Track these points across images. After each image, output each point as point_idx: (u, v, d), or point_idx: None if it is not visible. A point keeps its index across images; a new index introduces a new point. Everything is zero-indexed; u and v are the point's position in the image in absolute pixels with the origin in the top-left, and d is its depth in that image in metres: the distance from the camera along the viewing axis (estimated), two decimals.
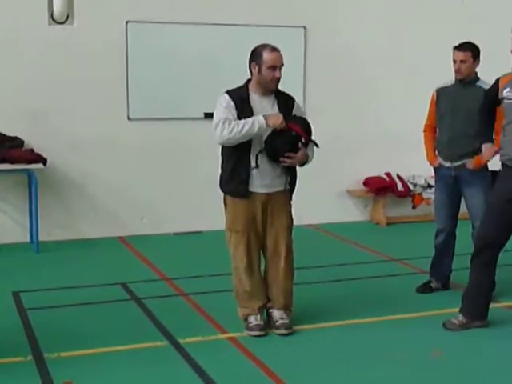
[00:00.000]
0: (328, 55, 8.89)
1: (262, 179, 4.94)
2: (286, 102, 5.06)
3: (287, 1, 8.67)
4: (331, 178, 8.82)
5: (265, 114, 4.85)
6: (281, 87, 5.06)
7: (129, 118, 8.29)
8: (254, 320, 5.04)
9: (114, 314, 5.61)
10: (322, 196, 8.85)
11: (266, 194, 4.97)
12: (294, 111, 5.06)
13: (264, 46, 4.91)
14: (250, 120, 4.81)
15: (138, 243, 7.99)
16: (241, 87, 5.02)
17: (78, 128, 8.04)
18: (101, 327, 5.29)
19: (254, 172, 4.91)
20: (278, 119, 4.83)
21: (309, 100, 8.69)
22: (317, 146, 5.08)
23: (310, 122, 5.07)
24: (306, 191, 7.67)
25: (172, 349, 4.82)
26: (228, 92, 5.00)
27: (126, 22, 8.10)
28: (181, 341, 4.93)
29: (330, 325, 5.31)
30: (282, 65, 4.91)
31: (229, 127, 4.79)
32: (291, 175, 5.07)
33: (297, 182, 5.16)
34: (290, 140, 4.88)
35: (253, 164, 4.90)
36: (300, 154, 4.92)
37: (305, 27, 8.76)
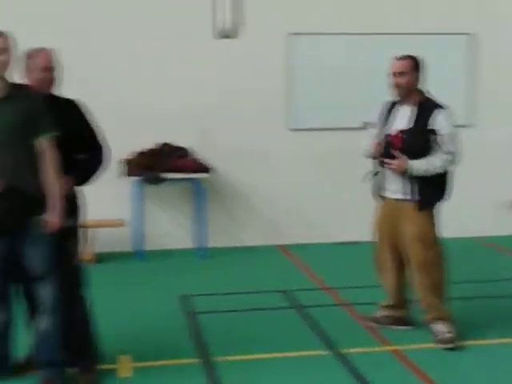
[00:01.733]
0: (497, 63, 8.58)
1: (390, 184, 5.08)
2: (425, 111, 4.97)
3: (451, 7, 8.46)
4: (496, 188, 8.47)
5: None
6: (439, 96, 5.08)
7: (290, 129, 8.41)
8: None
9: (276, 321, 5.68)
10: (485, 207, 8.54)
11: (395, 199, 5.04)
12: (430, 120, 4.90)
13: None
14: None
15: (298, 252, 8.09)
16: None
17: (241, 138, 8.27)
18: (264, 333, 5.38)
19: (385, 175, 5.08)
20: None
21: (480, 109, 8.51)
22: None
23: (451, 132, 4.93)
24: (469, 202, 7.48)
25: (335, 358, 4.81)
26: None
27: (289, 34, 8.24)
28: (343, 351, 4.91)
29: (495, 342, 5.11)
30: (401, 72, 4.96)
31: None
32: (421, 186, 4.93)
33: (431, 194, 4.97)
34: (386, 146, 4.98)
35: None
36: (396, 161, 4.86)
37: (470, 34, 8.53)
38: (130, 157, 7.83)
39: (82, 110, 4.45)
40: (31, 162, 4.06)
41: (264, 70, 8.21)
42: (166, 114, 7.99)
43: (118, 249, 8.09)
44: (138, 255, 7.94)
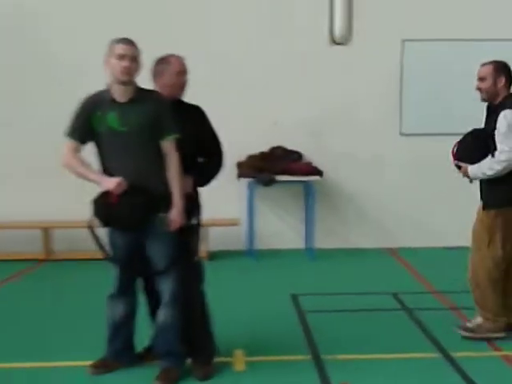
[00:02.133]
0: None
1: None
2: (495, 114, 4.93)
3: None
4: None
5: None
6: None
7: (401, 134, 8.33)
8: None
9: (385, 323, 5.61)
10: None
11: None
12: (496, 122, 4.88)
13: None
14: None
15: (408, 255, 8.00)
16: None
17: (353, 142, 8.27)
18: (373, 334, 5.33)
19: None
20: None
21: None
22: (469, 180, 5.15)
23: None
24: None
25: (444, 361, 4.70)
26: None
27: (403, 41, 8.15)
28: (453, 354, 4.79)
29: None
30: (481, 78, 5.01)
31: None
32: (485, 187, 5.06)
33: (493, 194, 4.97)
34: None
35: None
36: (461, 170, 5.09)
37: None
38: (242, 160, 7.97)
39: (205, 117, 4.55)
40: (156, 163, 4.19)
41: (377, 75, 8.19)
42: (281, 118, 8.09)
43: (230, 247, 8.24)
44: (249, 254, 8.06)
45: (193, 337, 4.52)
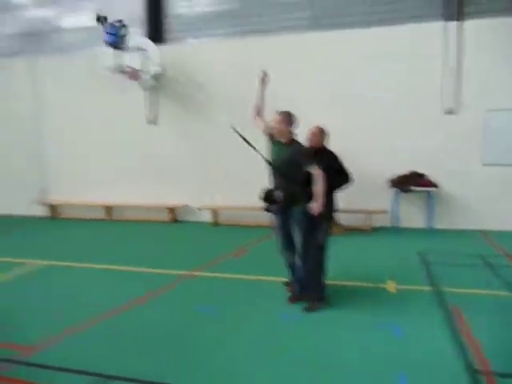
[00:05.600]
0: None
1: None
2: None
3: None
4: None
5: None
6: None
7: (483, 164, 7.61)
8: None
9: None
10: None
11: None
12: None
13: None
14: None
15: (493, 235, 7.28)
16: None
17: (455, 167, 7.63)
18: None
19: None
20: None
21: None
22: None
23: None
24: None
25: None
26: None
27: (487, 110, 7.40)
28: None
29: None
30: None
31: None
32: None
33: None
34: None
35: None
36: None
37: None
38: (392, 177, 7.82)
39: (337, 156, 4.37)
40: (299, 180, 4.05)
41: (468, 133, 7.58)
42: (412, 159, 7.80)
43: (383, 224, 8.03)
44: (394, 229, 7.85)
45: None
